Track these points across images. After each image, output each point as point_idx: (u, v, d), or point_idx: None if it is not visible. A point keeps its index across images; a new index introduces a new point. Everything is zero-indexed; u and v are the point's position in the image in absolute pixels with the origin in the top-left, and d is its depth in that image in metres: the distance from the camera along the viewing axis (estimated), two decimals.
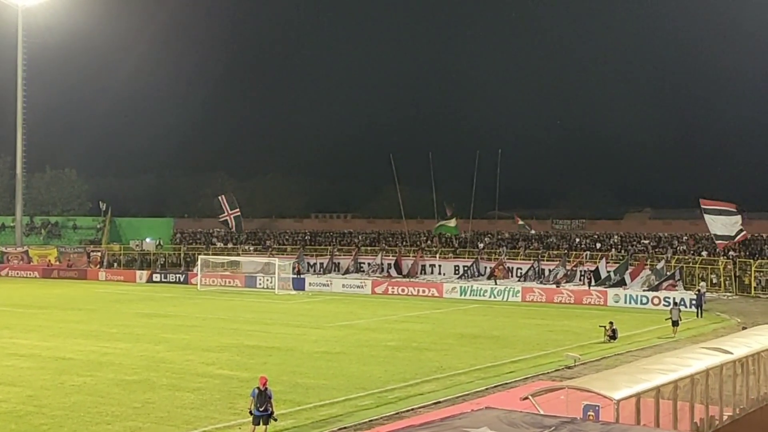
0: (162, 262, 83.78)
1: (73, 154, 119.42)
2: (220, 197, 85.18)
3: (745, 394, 20.65)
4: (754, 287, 63.72)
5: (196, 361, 32.94)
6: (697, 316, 49.45)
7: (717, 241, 64.67)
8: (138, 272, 77.92)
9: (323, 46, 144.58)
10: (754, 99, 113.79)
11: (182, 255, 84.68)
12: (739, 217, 63.38)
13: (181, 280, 74.44)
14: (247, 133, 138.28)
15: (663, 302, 55.01)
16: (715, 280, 64.60)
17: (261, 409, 21.45)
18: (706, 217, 63.79)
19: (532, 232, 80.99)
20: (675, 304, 47.91)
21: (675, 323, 42.95)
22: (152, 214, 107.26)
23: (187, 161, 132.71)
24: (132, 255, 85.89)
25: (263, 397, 21.48)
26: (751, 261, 66.14)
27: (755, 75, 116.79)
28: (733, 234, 62.94)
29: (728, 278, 64.80)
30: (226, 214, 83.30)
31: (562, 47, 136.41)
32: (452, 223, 79.48)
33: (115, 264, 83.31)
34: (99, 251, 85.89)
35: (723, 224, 63.28)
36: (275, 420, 21.82)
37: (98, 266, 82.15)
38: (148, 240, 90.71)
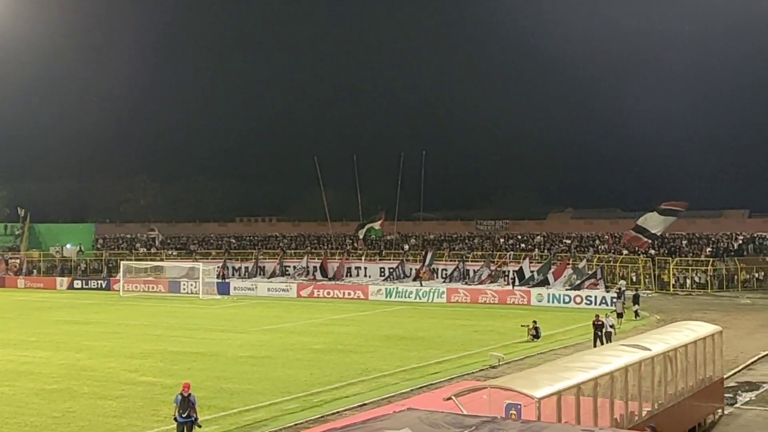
0: (83, 269, 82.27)
1: None
2: None
3: (663, 390, 21.09)
4: (673, 284, 65.14)
5: (118, 369, 32.50)
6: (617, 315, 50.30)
7: (633, 233, 65.09)
8: (58, 279, 76.41)
9: (244, 46, 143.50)
10: (675, 98, 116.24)
11: (104, 261, 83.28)
12: (674, 219, 64.38)
13: (103, 286, 73.20)
14: (169, 136, 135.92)
15: (585, 301, 55.94)
16: (635, 278, 65.79)
17: (184, 416, 21.30)
18: (653, 214, 63.76)
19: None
20: (619, 297, 48.92)
21: (620, 315, 45.10)
22: (73, 219, 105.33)
23: (108, 165, 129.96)
24: (52, 261, 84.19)
25: (186, 403, 21.31)
26: (670, 259, 67.60)
27: (678, 73, 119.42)
28: (654, 233, 63.97)
29: (648, 276, 66.10)
30: None
31: (486, 47, 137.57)
32: (377, 225, 79.62)
33: (35, 271, 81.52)
34: (18, 258, 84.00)
35: (658, 223, 63.82)
36: (199, 426, 21.65)
37: (17, 274, 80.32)
38: (68, 246, 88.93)
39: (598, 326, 37.07)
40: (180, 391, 21.61)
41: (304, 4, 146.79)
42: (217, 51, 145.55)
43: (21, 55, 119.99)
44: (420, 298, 61.60)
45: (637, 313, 48.79)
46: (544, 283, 61.88)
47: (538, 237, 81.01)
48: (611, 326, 37.42)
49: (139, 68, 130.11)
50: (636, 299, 49.90)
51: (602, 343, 35.78)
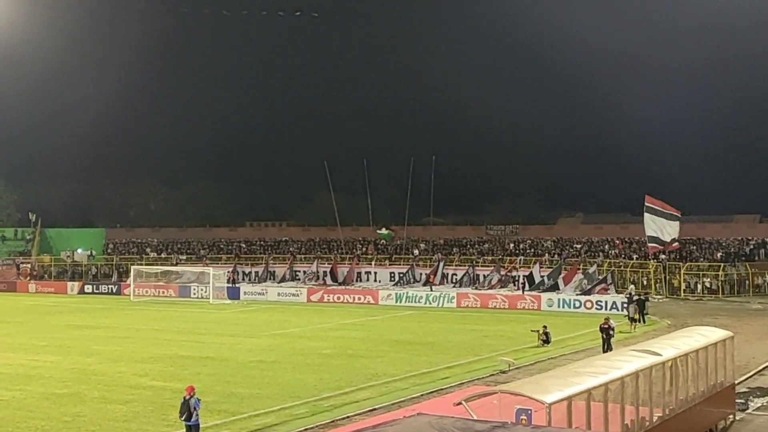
0: (94, 273, 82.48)
1: None
2: None
3: (674, 395, 20.97)
4: (684, 290, 64.89)
5: (127, 373, 32.50)
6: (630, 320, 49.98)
7: (649, 244, 65.12)
8: (69, 283, 76.56)
9: (253, 50, 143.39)
10: (686, 102, 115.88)
11: (115, 265, 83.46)
12: (677, 224, 63.36)
13: (114, 290, 73.32)
14: (178, 140, 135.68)
15: (595, 306, 55.62)
16: (645, 283, 65.54)
17: (182, 419, 21.39)
18: (646, 216, 62.92)
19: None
20: (631, 301, 48.44)
21: (632, 320, 45.14)
22: (82, 224, 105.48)
23: (115, 169, 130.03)
24: (63, 266, 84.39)
25: (185, 406, 21.37)
26: (680, 264, 67.32)
27: (688, 77, 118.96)
28: (666, 240, 63.21)
29: (658, 281, 65.86)
30: None
31: (495, 53, 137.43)
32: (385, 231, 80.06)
33: (46, 276, 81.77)
34: (29, 263, 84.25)
35: (660, 227, 63.02)
36: (198, 399, 21.69)
37: (28, 278, 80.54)
38: (79, 251, 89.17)
39: (604, 329, 36.88)
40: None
41: (312, 8, 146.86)
42: (225, 54, 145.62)
43: (25, 57, 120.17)
44: (430, 303, 61.52)
45: (641, 319, 47.97)
46: (555, 288, 61.82)
47: (548, 242, 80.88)
48: (612, 328, 37.33)
49: (145, 71, 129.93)
50: (642, 304, 48.70)
51: (607, 346, 35.76)
